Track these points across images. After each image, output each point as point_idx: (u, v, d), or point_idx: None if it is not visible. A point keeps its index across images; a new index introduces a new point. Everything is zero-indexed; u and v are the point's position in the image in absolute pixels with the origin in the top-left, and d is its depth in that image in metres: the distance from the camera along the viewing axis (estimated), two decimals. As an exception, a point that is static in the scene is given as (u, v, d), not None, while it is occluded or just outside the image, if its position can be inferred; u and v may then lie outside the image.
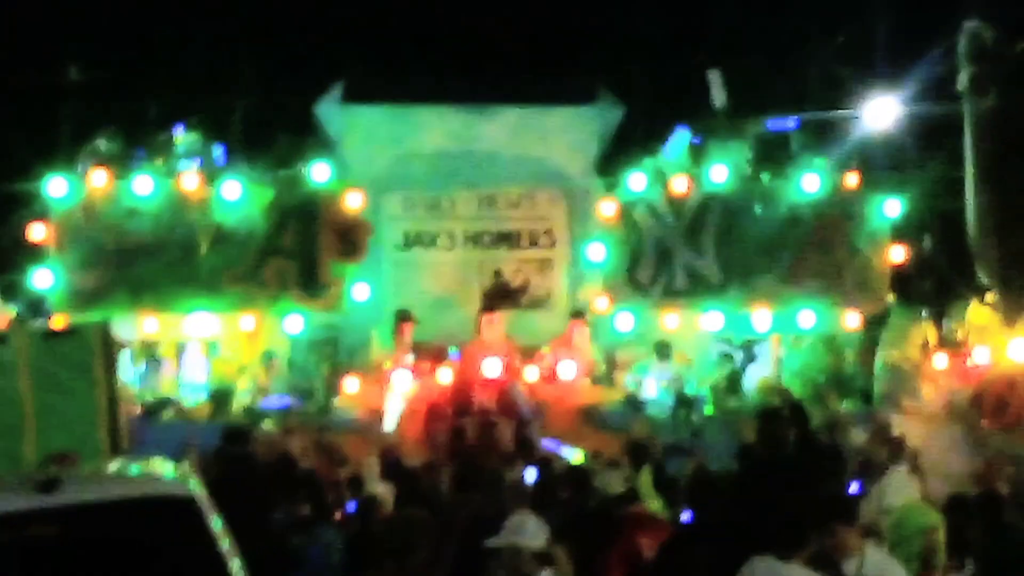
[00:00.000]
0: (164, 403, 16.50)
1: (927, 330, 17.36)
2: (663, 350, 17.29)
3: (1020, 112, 17.69)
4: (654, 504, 11.52)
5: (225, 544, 6.96)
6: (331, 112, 18.02)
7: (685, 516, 10.56)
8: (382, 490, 12.42)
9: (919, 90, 18.84)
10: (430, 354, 16.91)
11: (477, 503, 10.41)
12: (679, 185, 17.51)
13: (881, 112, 18.92)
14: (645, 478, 12.15)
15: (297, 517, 10.94)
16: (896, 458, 12.29)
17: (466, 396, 16.42)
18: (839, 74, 19.63)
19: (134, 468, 8.01)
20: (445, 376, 16.63)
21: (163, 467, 7.75)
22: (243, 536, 7.31)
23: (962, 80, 17.75)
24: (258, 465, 12.70)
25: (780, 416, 12.55)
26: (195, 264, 16.73)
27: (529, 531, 7.87)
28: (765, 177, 17.65)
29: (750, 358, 18.01)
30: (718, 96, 17.89)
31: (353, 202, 17.04)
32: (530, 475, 12.80)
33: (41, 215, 16.58)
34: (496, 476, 11.71)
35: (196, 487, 7.22)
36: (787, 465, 11.31)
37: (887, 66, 19.38)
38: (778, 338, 18.04)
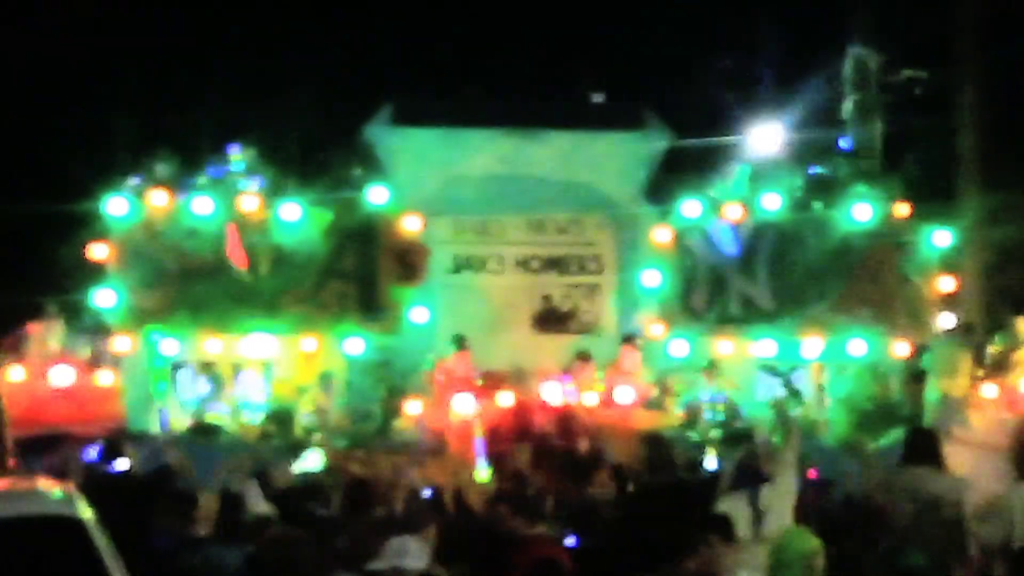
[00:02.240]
0: (217, 427, 16.49)
1: (973, 359, 17.59)
2: (711, 369, 17.44)
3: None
4: None
5: (112, 565, 6.90)
6: (382, 134, 18.00)
7: (569, 540, 10.72)
8: (264, 509, 12.36)
9: (803, 116, 19.16)
10: (491, 378, 16.90)
11: (363, 524, 10.48)
12: (733, 213, 17.65)
13: (766, 138, 19.18)
14: None
15: (186, 536, 10.74)
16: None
17: (526, 420, 16.49)
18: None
19: (19, 488, 7.96)
20: (506, 400, 16.66)
21: (49, 487, 7.74)
22: (126, 556, 7.25)
23: (847, 106, 18.12)
24: (135, 482, 12.64)
25: (663, 441, 12.68)
26: (255, 285, 16.69)
27: (412, 553, 7.97)
28: (817, 206, 17.81)
29: (790, 387, 18.14)
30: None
31: (411, 225, 17.05)
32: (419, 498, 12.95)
33: (102, 235, 16.49)
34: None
35: (83, 508, 7.22)
36: (666, 488, 11.49)
37: (773, 93, 19.64)
38: (819, 366, 18.23)
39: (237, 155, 16.94)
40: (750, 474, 11.26)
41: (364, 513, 11.40)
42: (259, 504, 12.41)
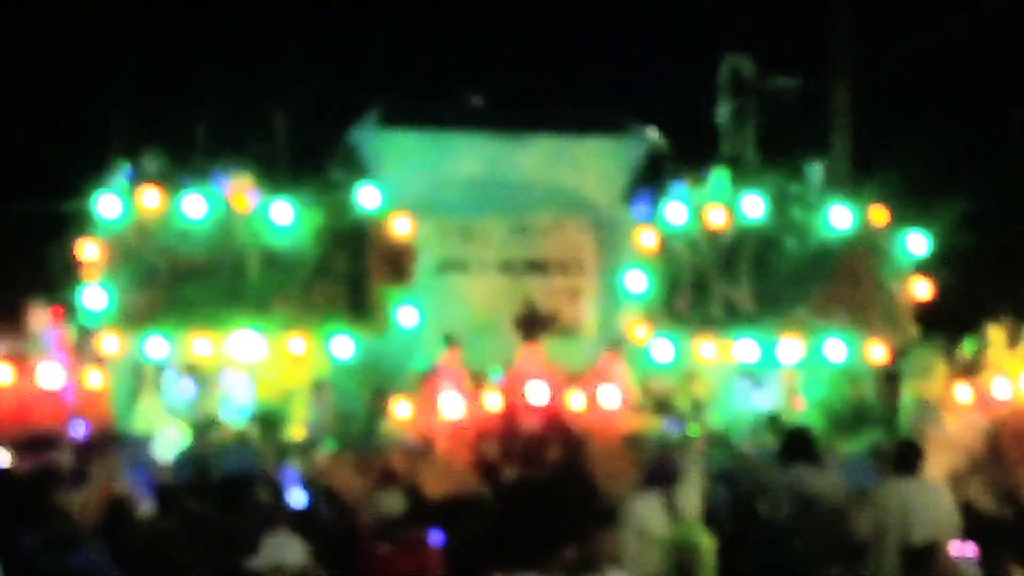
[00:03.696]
0: (210, 424, 16.51)
1: (946, 362, 17.96)
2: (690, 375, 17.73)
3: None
4: None
5: None
6: (367, 137, 18.12)
7: (436, 536, 11.01)
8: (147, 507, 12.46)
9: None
10: (477, 379, 17.04)
11: (233, 522, 10.67)
12: (716, 217, 17.92)
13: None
14: None
15: (55, 536, 10.78)
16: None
17: (513, 421, 16.64)
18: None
19: None
20: (493, 401, 16.80)
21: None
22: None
23: (722, 113, 18.53)
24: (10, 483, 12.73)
25: (544, 441, 12.93)
26: (245, 286, 16.77)
27: (291, 550, 8.13)
28: (796, 211, 18.12)
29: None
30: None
31: (401, 227, 17.19)
32: (298, 496, 13.09)
33: (92, 234, 16.51)
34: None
35: None
36: (539, 485, 11.73)
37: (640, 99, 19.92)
38: (787, 372, 18.55)
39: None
40: (663, 473, 11.50)
41: (241, 510, 11.54)
42: (144, 502, 12.52)
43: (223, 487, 12.41)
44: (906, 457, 12.41)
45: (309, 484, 13.61)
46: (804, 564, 10.77)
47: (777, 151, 18.68)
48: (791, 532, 11.08)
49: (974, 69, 23.46)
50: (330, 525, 11.34)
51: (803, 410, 18.29)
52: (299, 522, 11.01)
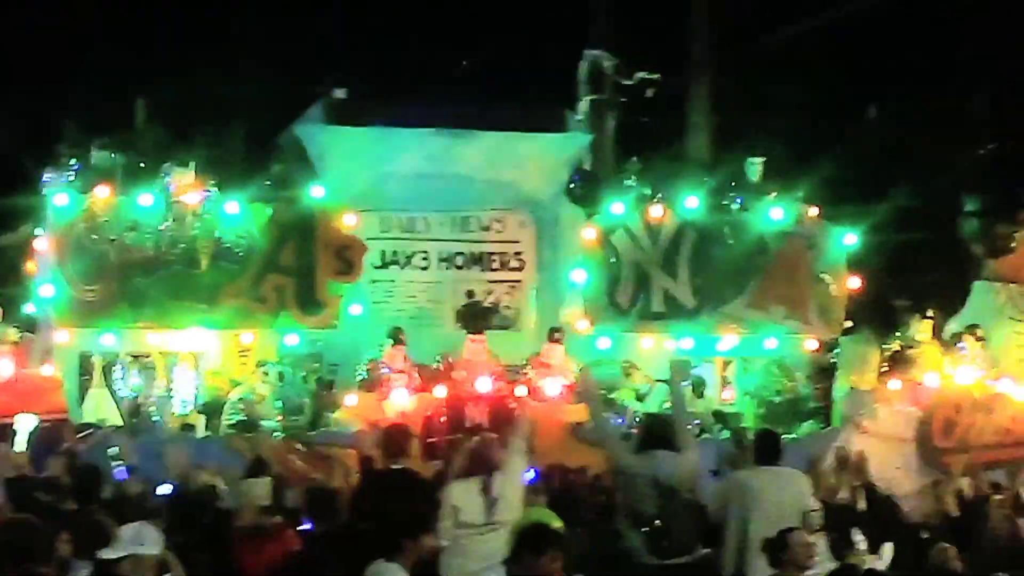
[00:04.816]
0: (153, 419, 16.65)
1: (878, 354, 18.48)
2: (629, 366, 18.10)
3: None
4: None
5: None
6: (313, 132, 18.28)
7: (305, 526, 11.17)
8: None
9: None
10: (425, 371, 17.29)
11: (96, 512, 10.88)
12: (655, 211, 18.33)
13: None
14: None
15: None
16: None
17: (459, 412, 16.91)
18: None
19: None
20: (441, 392, 17.07)
21: None
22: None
23: (582, 107, 19.03)
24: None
25: (406, 432, 13.27)
26: (195, 279, 16.89)
27: (148, 540, 8.36)
28: (735, 207, 18.57)
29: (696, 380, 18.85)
30: None
31: (349, 221, 17.42)
32: (164, 489, 13.42)
33: (43, 227, 16.58)
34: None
35: None
36: (399, 478, 12.00)
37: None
38: (722, 361, 19.02)
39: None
40: (481, 461, 11.77)
41: (95, 500, 11.69)
42: None
43: (80, 478, 12.50)
44: (765, 446, 12.42)
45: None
46: (665, 548, 10.98)
47: (638, 144, 18.97)
48: (653, 518, 11.21)
49: (829, 66, 23.87)
50: (195, 514, 11.45)
51: (736, 401, 18.86)
52: (161, 512, 11.17)
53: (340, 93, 18.94)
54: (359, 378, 17.15)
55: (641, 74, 21.08)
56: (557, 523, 10.78)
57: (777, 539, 10.42)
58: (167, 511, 11.53)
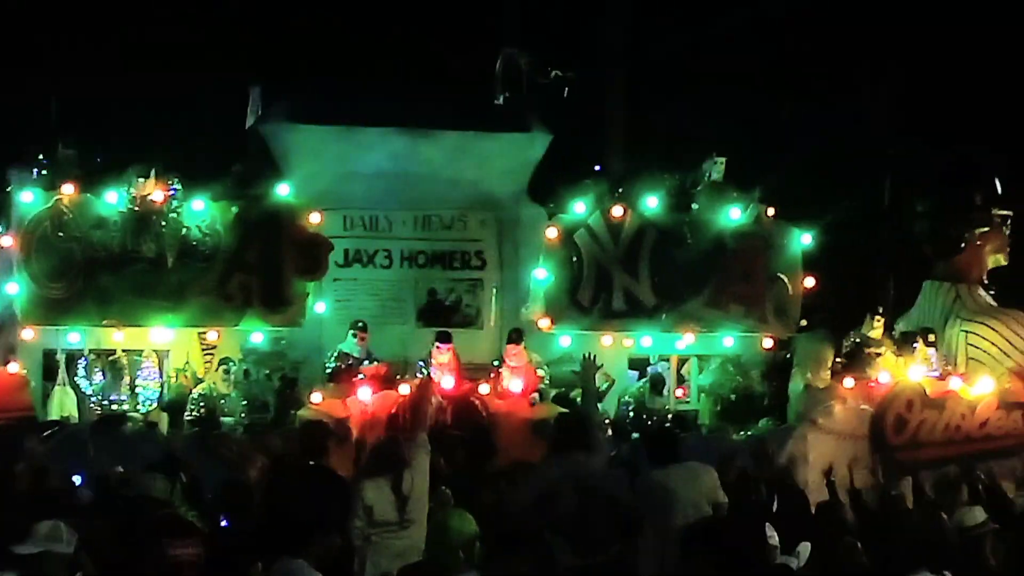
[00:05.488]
0: (122, 416, 16.68)
1: (832, 352, 18.77)
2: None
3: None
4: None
5: None
6: (277, 131, 18.37)
7: (222, 523, 11.32)
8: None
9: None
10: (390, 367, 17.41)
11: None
12: (616, 211, 18.56)
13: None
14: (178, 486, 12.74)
15: None
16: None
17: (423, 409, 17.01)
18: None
19: None
20: (405, 389, 17.18)
21: None
22: None
23: (498, 104, 19.28)
24: None
25: (323, 428, 13.43)
26: (161, 277, 16.94)
27: (62, 538, 8.52)
28: (694, 207, 18.81)
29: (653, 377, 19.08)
30: None
31: (314, 220, 17.52)
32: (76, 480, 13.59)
33: (9, 225, 16.59)
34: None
35: None
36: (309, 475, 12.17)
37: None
38: (677, 359, 19.28)
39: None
40: (390, 459, 11.91)
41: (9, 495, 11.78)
42: None
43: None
44: (660, 447, 12.67)
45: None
46: (584, 547, 11.13)
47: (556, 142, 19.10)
48: (571, 517, 11.35)
49: (745, 63, 24.07)
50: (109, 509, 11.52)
51: (691, 398, 19.12)
52: (74, 508, 11.23)
53: (255, 90, 18.97)
54: (327, 368, 17.21)
55: (557, 72, 21.19)
56: (472, 527, 10.93)
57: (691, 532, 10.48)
58: (84, 506, 11.57)
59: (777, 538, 11.35)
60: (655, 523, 11.78)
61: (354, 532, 11.34)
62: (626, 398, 18.18)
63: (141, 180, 16.83)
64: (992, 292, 19.59)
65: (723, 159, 18.86)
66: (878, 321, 18.90)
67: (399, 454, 11.87)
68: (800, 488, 15.36)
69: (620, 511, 11.73)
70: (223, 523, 11.26)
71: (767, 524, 11.37)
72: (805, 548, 11.37)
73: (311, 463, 12.43)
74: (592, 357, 13.67)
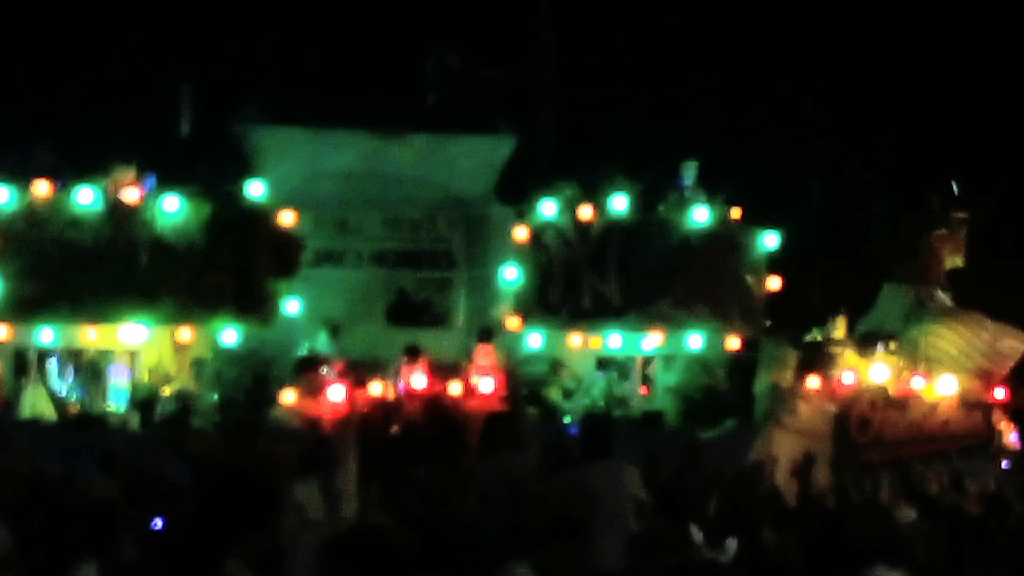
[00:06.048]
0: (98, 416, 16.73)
1: (796, 353, 19.01)
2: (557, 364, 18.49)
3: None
4: None
5: None
6: (248, 132, 18.42)
7: (157, 523, 11.41)
8: None
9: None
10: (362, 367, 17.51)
11: None
12: (585, 212, 18.75)
13: None
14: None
15: None
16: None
17: (395, 407, 17.17)
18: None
19: None
20: (376, 388, 17.31)
21: None
22: None
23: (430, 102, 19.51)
24: None
25: (252, 426, 13.60)
26: (135, 276, 16.98)
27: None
28: (661, 208, 19.04)
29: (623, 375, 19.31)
30: None
31: (286, 219, 17.61)
32: None
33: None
34: None
35: None
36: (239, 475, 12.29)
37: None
38: (641, 359, 19.48)
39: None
40: (319, 458, 12.05)
41: None
42: None
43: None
44: (592, 443, 12.77)
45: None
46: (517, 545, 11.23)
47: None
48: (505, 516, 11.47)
49: (669, 66, 24.26)
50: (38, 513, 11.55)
51: (656, 397, 19.30)
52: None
53: (187, 89, 19.01)
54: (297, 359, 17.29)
55: (488, 72, 21.30)
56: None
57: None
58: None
59: (702, 536, 11.51)
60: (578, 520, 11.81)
61: (284, 532, 11.36)
62: (594, 391, 18.39)
63: (122, 169, 16.84)
64: (950, 293, 19.87)
65: (695, 163, 19.07)
66: (841, 321, 19.15)
67: (328, 454, 11.91)
68: (742, 485, 15.52)
69: (550, 509, 11.88)
70: (156, 525, 11.23)
71: (691, 523, 11.52)
72: (733, 543, 11.54)
73: (240, 463, 12.43)
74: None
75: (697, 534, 11.45)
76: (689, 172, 19.12)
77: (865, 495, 16.60)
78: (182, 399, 16.98)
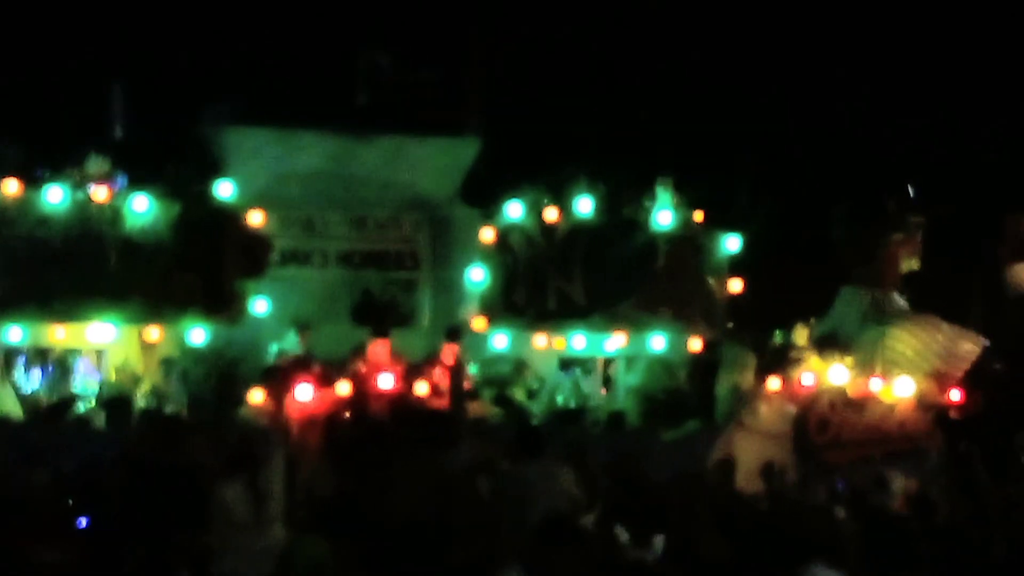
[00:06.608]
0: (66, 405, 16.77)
1: (757, 355, 19.24)
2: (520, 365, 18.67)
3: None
4: None
5: None
6: (215, 132, 18.49)
7: (83, 522, 11.45)
8: None
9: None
10: (329, 366, 17.60)
11: None
12: (551, 214, 18.93)
13: None
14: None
15: None
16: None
17: (362, 407, 17.26)
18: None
19: None
20: (343, 388, 17.40)
21: None
22: None
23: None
24: None
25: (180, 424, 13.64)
26: (104, 275, 17.01)
27: None
28: (625, 210, 19.23)
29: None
30: None
31: (255, 219, 17.69)
32: None
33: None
34: None
35: None
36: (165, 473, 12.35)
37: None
38: (602, 360, 19.67)
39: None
40: (245, 457, 12.13)
41: None
42: None
43: None
44: (525, 443, 12.88)
45: None
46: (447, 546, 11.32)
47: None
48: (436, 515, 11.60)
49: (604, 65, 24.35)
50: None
51: (617, 398, 19.48)
52: None
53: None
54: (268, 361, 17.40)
55: (419, 73, 21.38)
56: (324, 547, 10.97)
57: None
58: None
59: (627, 535, 11.63)
60: (512, 518, 11.88)
61: (212, 533, 11.41)
62: (562, 391, 18.58)
63: (96, 161, 16.88)
64: (906, 297, 20.13)
65: (669, 179, 19.27)
66: (804, 329, 19.37)
67: (254, 453, 11.92)
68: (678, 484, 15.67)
69: (480, 508, 12.01)
70: (81, 524, 11.24)
71: (617, 522, 11.65)
72: (660, 540, 11.68)
73: (168, 463, 12.47)
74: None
75: (623, 533, 11.55)
76: (664, 187, 19.28)
77: (814, 496, 16.72)
78: (158, 398, 17.04)
